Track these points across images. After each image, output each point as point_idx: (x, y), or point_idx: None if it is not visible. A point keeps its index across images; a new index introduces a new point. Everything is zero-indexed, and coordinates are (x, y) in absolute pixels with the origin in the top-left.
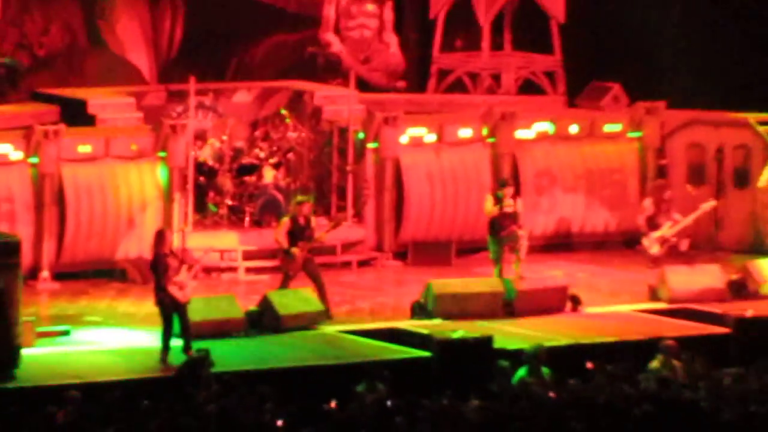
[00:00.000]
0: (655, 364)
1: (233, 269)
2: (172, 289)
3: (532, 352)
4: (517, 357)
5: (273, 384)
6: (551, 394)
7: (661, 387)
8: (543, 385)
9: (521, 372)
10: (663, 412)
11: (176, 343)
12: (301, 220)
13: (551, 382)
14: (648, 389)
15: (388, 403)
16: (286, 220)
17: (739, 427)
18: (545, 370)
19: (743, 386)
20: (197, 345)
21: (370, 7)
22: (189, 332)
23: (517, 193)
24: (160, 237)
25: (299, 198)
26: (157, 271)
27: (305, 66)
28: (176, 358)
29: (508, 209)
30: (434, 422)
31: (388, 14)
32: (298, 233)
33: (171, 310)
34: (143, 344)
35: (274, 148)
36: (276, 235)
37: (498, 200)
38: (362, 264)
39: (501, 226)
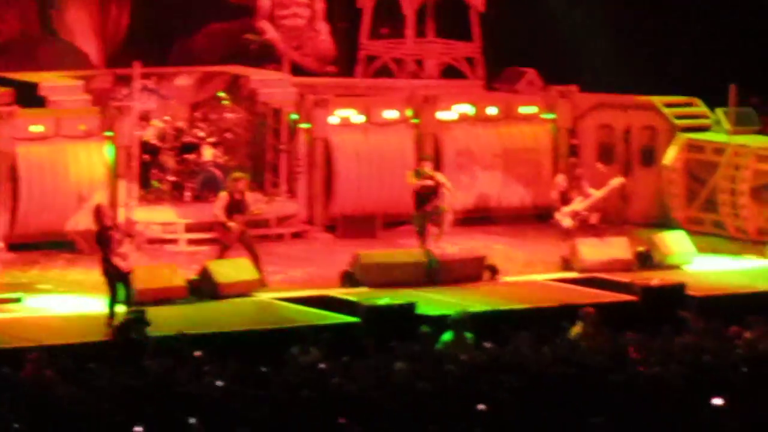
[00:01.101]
0: (576, 329)
1: (175, 241)
2: (116, 260)
3: (456, 317)
4: (438, 322)
5: (212, 348)
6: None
7: (571, 351)
8: (466, 349)
9: (446, 336)
10: (570, 375)
11: (122, 309)
12: (238, 196)
13: (473, 346)
14: (559, 353)
15: (321, 365)
16: (224, 195)
17: (629, 386)
18: (468, 334)
19: (646, 350)
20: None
21: None
22: (131, 300)
23: (437, 170)
24: (99, 212)
25: (236, 175)
26: (102, 243)
27: (242, 52)
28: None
29: (428, 182)
30: (363, 383)
31: (319, 4)
32: (234, 207)
33: (116, 279)
34: (91, 310)
35: (213, 128)
36: (214, 209)
37: (418, 174)
38: (295, 236)
39: (424, 201)
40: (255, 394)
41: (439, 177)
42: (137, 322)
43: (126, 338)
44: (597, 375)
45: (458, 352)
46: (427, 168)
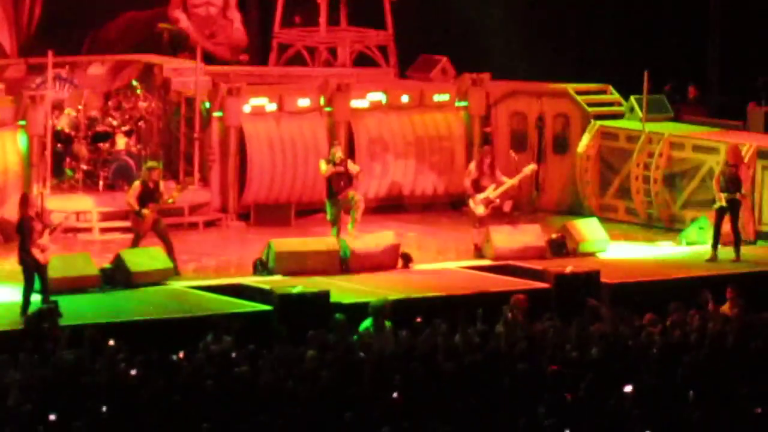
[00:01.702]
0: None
1: (88, 230)
2: (35, 252)
3: (377, 305)
4: (352, 311)
5: (125, 336)
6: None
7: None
8: (386, 337)
9: (366, 323)
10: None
11: (36, 298)
12: (151, 184)
13: (391, 334)
14: (472, 342)
15: (233, 354)
16: (137, 184)
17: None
18: (387, 323)
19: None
20: (59, 300)
21: None
22: (48, 290)
23: (350, 158)
24: (25, 200)
25: (149, 164)
26: (23, 233)
27: (155, 41)
28: None
29: (340, 169)
30: (274, 371)
31: None
32: (148, 196)
33: (33, 269)
34: (5, 300)
35: (126, 117)
36: (128, 198)
37: (330, 161)
38: (208, 224)
39: (337, 190)
40: (165, 382)
41: (350, 165)
42: (49, 312)
43: (38, 329)
44: (509, 363)
45: (378, 339)
46: (339, 153)
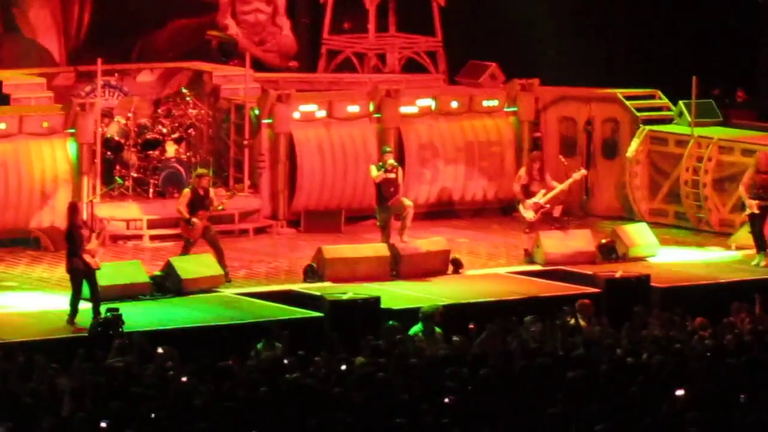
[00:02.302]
0: (572, 321)
1: (138, 237)
2: (86, 257)
3: (427, 311)
4: (403, 316)
5: (176, 344)
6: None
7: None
8: (435, 343)
9: (415, 329)
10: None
11: (84, 306)
12: (201, 192)
13: (442, 340)
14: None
15: (285, 360)
16: (187, 192)
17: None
18: (438, 328)
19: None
20: (106, 306)
21: None
22: (98, 297)
23: (400, 164)
24: (74, 209)
25: (199, 171)
26: (72, 241)
27: (204, 48)
28: (86, 320)
29: (390, 175)
30: (324, 377)
31: None
32: (198, 203)
33: (82, 276)
34: (55, 307)
35: (176, 125)
36: (178, 205)
37: (381, 167)
38: (258, 231)
39: (387, 195)
40: (217, 389)
41: (400, 172)
42: (115, 321)
43: (104, 336)
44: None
45: (428, 345)
46: (391, 159)
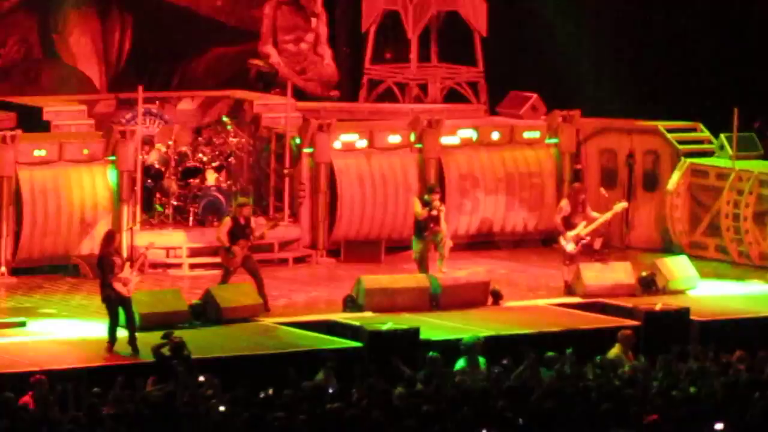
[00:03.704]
0: (614, 351)
1: (178, 265)
2: (117, 285)
3: (469, 342)
4: (442, 347)
5: (215, 372)
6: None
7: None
8: (479, 375)
9: (460, 363)
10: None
11: (123, 334)
12: (242, 220)
13: (485, 371)
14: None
15: (328, 390)
16: (227, 220)
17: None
18: (481, 359)
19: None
20: (146, 335)
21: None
22: (133, 324)
23: (442, 198)
24: (109, 237)
25: (240, 200)
26: (103, 269)
27: (245, 77)
28: (122, 348)
29: (434, 212)
30: (366, 407)
31: (323, 28)
32: (238, 232)
33: (116, 304)
34: (94, 335)
35: (216, 153)
36: (218, 233)
37: (425, 204)
38: (298, 261)
39: (426, 228)
40: (256, 417)
41: (443, 212)
42: (180, 345)
43: (170, 361)
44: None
45: (473, 377)
46: (437, 202)
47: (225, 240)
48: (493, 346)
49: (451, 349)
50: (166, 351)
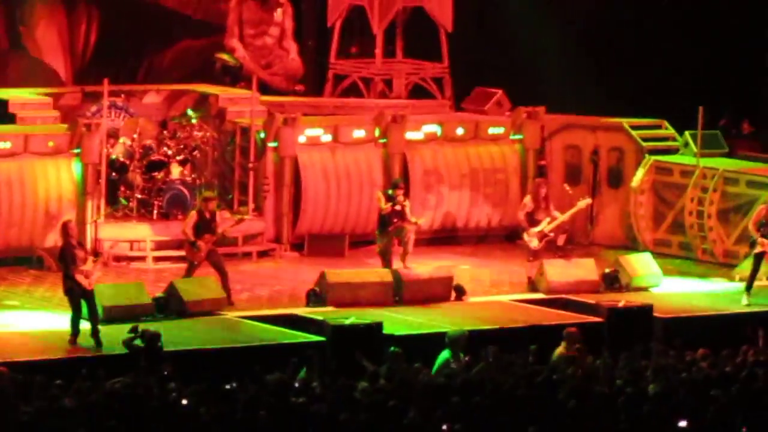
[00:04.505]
0: (559, 350)
1: (142, 258)
2: (79, 277)
3: (453, 336)
4: (405, 342)
5: (179, 365)
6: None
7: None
8: (462, 369)
9: (443, 355)
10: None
11: (85, 326)
12: (207, 215)
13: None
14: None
15: (293, 384)
16: (193, 214)
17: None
18: (462, 354)
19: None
20: (109, 328)
21: (275, 16)
22: (96, 317)
23: (406, 193)
24: (66, 228)
25: (206, 194)
26: (65, 260)
27: (210, 70)
28: (85, 340)
29: (398, 207)
30: (329, 402)
31: (289, 22)
32: (203, 226)
33: (79, 296)
34: (58, 327)
35: (181, 146)
36: (183, 227)
37: (389, 198)
38: (262, 254)
39: (389, 223)
40: (218, 412)
41: (407, 207)
42: (155, 337)
43: (151, 352)
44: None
45: (458, 370)
46: (401, 197)
47: (190, 234)
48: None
49: (413, 344)
50: (139, 342)
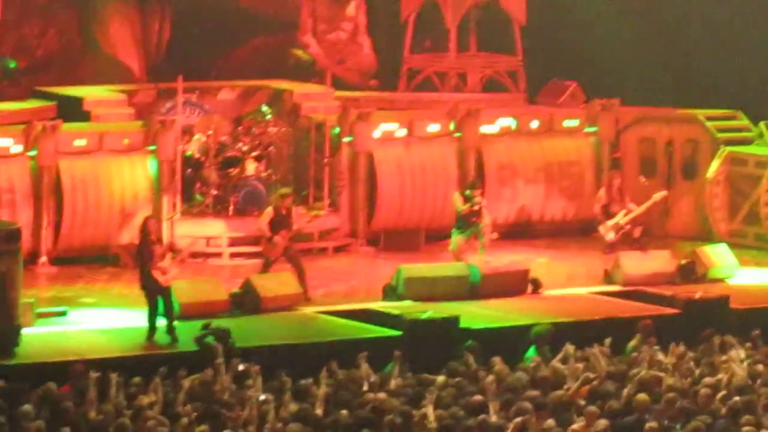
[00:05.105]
0: (633, 343)
1: (218, 255)
2: (156, 274)
3: (539, 331)
4: (482, 336)
5: (255, 361)
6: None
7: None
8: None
9: (530, 352)
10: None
11: (161, 323)
12: (283, 211)
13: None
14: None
15: (369, 380)
16: (269, 210)
17: None
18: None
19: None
20: (185, 324)
21: (348, 11)
22: (172, 313)
23: (482, 188)
24: (146, 224)
25: (283, 191)
26: (142, 256)
27: (284, 67)
28: (161, 337)
29: (476, 208)
30: (408, 398)
31: (362, 18)
32: (279, 222)
33: (155, 293)
34: (135, 324)
35: (256, 143)
36: (259, 223)
37: (466, 199)
38: (337, 250)
39: (468, 224)
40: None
41: (485, 207)
42: (226, 334)
43: (216, 350)
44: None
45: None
46: (479, 198)
47: (266, 230)
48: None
49: (490, 337)
50: (210, 340)
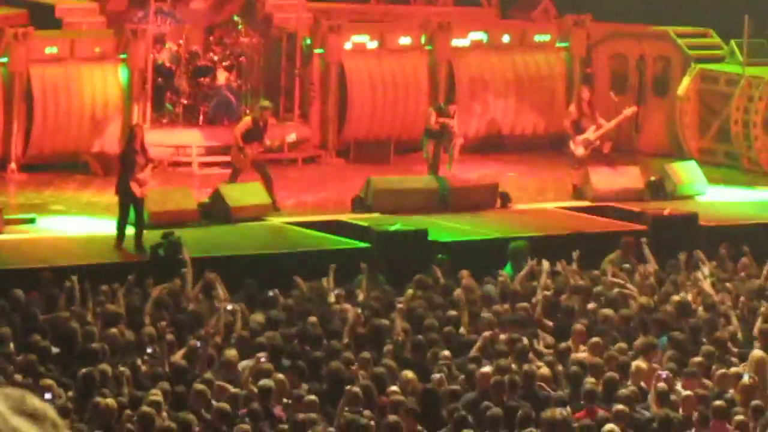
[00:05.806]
0: (611, 256)
1: (188, 164)
2: (133, 185)
3: (516, 247)
4: (450, 249)
5: (222, 271)
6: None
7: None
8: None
9: (507, 269)
10: None
11: (130, 231)
12: (261, 123)
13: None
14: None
15: (337, 291)
16: (248, 120)
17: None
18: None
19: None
20: (154, 233)
21: None
22: (142, 224)
23: (450, 97)
24: (133, 133)
25: (264, 103)
26: (124, 164)
27: None
28: (129, 245)
29: (446, 121)
30: (374, 310)
31: None
32: (254, 134)
33: (129, 202)
34: (103, 232)
35: (228, 52)
36: (235, 131)
37: (440, 113)
38: (307, 161)
39: (437, 134)
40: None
41: (455, 123)
42: (177, 243)
43: (167, 258)
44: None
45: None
46: (451, 111)
47: (239, 139)
48: (499, 248)
49: (458, 250)
50: (161, 251)
